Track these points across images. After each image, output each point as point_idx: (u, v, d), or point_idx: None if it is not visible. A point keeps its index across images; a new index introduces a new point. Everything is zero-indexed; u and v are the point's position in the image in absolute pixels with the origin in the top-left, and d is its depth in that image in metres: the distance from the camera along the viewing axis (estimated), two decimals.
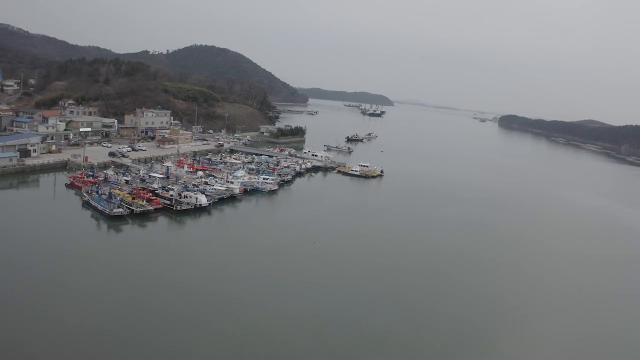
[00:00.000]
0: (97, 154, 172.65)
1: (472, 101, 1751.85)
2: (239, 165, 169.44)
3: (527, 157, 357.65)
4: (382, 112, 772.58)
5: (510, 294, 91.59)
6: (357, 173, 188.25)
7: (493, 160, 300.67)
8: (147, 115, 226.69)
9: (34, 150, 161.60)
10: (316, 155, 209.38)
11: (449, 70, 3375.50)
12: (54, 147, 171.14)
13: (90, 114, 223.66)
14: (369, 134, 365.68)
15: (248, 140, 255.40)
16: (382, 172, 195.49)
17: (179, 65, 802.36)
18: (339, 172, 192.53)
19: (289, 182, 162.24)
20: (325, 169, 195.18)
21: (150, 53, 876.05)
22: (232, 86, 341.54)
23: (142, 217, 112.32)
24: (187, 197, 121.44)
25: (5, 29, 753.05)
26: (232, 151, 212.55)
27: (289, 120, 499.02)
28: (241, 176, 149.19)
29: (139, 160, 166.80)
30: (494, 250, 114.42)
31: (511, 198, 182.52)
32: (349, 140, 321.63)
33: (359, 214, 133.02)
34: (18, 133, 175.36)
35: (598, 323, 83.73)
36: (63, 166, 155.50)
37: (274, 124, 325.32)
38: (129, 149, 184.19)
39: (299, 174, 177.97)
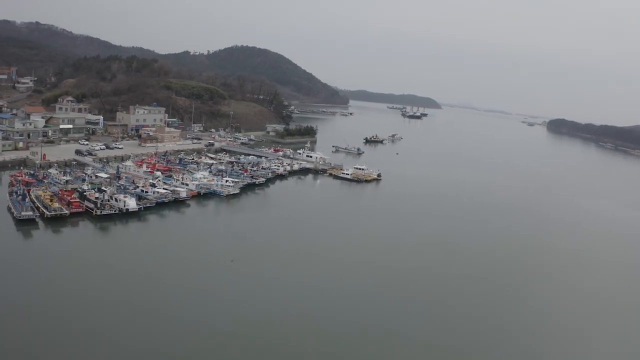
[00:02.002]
0: (65, 151, 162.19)
1: (524, 105, 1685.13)
2: (205, 166, 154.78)
3: (566, 163, 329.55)
4: (423, 115, 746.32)
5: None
6: (349, 177, 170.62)
7: (527, 165, 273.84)
8: (137, 112, 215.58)
9: None
10: (310, 157, 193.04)
11: (501, 73, 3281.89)
12: (21, 144, 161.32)
13: (80, 110, 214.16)
14: (393, 136, 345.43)
15: (251, 139, 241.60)
16: (379, 175, 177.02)
17: (219, 65, 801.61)
18: (330, 175, 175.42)
19: (260, 186, 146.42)
20: (316, 172, 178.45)
21: (192, 54, 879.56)
22: (243, 84, 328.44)
23: (56, 221, 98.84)
24: (117, 200, 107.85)
25: (49, 29, 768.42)
26: (222, 151, 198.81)
27: (318, 121, 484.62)
28: (200, 178, 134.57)
29: (100, 160, 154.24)
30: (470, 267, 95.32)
31: (530, 206, 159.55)
32: (367, 141, 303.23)
33: (313, 227, 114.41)
34: None
35: None
36: (21, 164, 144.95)
37: (288, 124, 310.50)
38: (103, 147, 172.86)
39: (280, 177, 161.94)
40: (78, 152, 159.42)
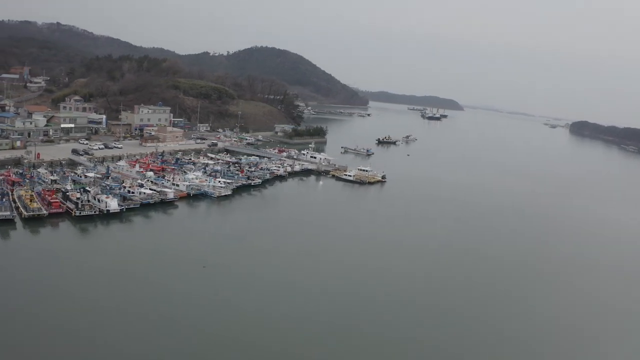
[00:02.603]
0: (62, 151, 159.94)
1: (548, 107, 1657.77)
2: (201, 166, 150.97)
3: (586, 167, 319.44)
4: (443, 116, 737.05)
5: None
6: (352, 178, 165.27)
7: (543, 169, 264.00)
8: (142, 111, 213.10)
9: None
10: (314, 158, 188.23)
11: (525, 75, 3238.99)
12: (18, 143, 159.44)
13: (85, 109, 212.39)
14: (407, 137, 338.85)
15: (259, 140, 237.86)
16: (383, 177, 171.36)
17: (238, 66, 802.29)
18: (333, 176, 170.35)
19: (256, 187, 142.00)
20: (319, 173, 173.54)
21: (211, 54, 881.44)
22: (253, 83, 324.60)
23: (33, 222, 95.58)
24: (99, 201, 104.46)
25: (69, 30, 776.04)
26: (225, 151, 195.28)
27: (334, 122, 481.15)
28: (192, 178, 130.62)
29: (92, 159, 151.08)
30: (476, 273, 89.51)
31: (543, 211, 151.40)
32: (379, 142, 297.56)
33: (302, 230, 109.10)
34: None
35: None
36: (16, 163, 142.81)
37: (299, 124, 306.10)
38: (102, 146, 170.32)
39: (279, 178, 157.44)
40: (74, 151, 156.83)
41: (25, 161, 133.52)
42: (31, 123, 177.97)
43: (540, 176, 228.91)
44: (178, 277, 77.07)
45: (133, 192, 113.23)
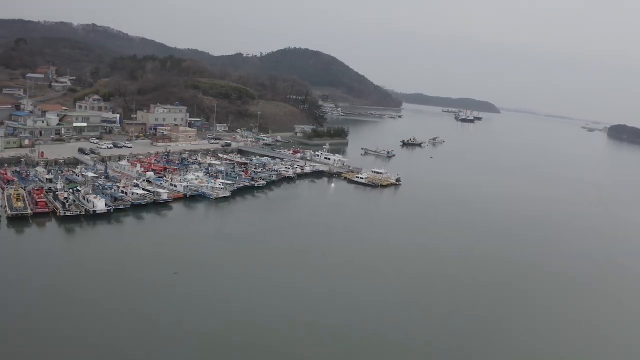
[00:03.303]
0: (69, 150, 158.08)
1: (586, 110, 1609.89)
2: (204, 167, 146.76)
3: (620, 172, 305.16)
4: (477, 119, 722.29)
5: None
6: (364, 181, 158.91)
7: (574, 174, 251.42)
8: (157, 111, 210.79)
9: None
10: (329, 159, 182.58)
11: (564, 77, 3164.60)
12: (27, 142, 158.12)
13: (100, 109, 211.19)
14: (434, 139, 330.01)
15: (278, 140, 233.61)
16: (398, 180, 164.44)
17: (271, 68, 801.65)
18: (345, 178, 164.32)
19: (260, 189, 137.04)
20: (330, 175, 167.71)
21: (244, 56, 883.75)
22: (275, 83, 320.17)
23: (17, 221, 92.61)
24: (88, 201, 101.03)
25: (105, 31, 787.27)
26: (238, 151, 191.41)
27: (363, 123, 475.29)
28: (191, 179, 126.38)
29: (96, 159, 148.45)
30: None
31: (567, 220, 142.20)
32: (404, 144, 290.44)
33: (299, 234, 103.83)
34: None
35: None
36: (19, 161, 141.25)
37: (322, 125, 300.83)
38: (111, 146, 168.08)
39: (287, 179, 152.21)
40: (81, 150, 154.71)
41: (23, 160, 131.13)
42: (43, 122, 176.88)
43: (571, 182, 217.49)
44: (151, 280, 73.37)
45: (126, 193, 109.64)
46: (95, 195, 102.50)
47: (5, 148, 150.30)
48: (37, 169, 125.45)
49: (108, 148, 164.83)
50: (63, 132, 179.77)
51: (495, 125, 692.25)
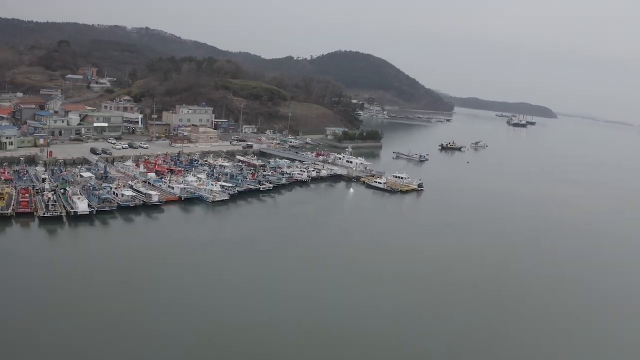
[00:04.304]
0: (82, 150, 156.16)
1: None
2: (212, 168, 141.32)
3: None
4: (530, 123, 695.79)
5: None
6: (382, 186, 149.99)
7: (624, 184, 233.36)
8: (182, 112, 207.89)
9: (10, 143, 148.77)
10: (350, 162, 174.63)
11: (624, 84, 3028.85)
12: (42, 141, 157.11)
13: (125, 109, 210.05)
14: (477, 143, 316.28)
15: (308, 143, 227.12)
16: (420, 186, 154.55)
17: (321, 70, 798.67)
18: (364, 183, 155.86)
19: (267, 192, 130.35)
20: (349, 179, 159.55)
21: (295, 59, 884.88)
22: (310, 85, 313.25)
23: None
24: (72, 202, 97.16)
25: (158, 35, 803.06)
26: (261, 154, 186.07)
27: (409, 127, 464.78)
28: (191, 181, 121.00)
29: (107, 160, 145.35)
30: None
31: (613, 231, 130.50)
32: (443, 148, 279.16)
33: (286, 245, 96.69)
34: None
35: None
36: (31, 161, 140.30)
37: (358, 127, 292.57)
38: (126, 146, 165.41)
39: (300, 183, 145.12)
40: (93, 150, 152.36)
41: (22, 159, 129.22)
42: (63, 122, 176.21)
43: (619, 193, 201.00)
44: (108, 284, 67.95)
45: (116, 194, 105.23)
46: (79, 197, 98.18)
47: (18, 147, 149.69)
48: (36, 168, 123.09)
49: (123, 148, 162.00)
50: (83, 132, 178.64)
51: (548, 131, 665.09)
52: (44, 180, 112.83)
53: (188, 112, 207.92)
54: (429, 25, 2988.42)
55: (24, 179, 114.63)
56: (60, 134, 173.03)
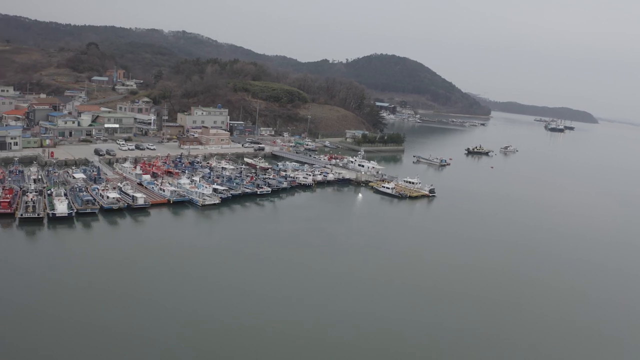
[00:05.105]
0: (87, 151, 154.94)
1: None
2: (206, 171, 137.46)
3: None
4: (567, 128, 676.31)
5: None
6: (390, 191, 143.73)
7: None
8: (196, 113, 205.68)
9: (15, 143, 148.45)
10: (362, 166, 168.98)
11: None
12: (48, 142, 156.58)
13: (140, 110, 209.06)
14: (506, 147, 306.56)
15: (326, 146, 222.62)
16: (431, 191, 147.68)
17: (355, 73, 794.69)
18: (372, 188, 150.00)
19: (264, 196, 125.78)
20: (357, 183, 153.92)
21: (330, 62, 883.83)
22: (332, 86, 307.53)
23: None
24: (59, 202, 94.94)
25: (194, 38, 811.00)
26: (272, 156, 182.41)
27: (440, 131, 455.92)
28: (184, 183, 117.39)
29: (109, 161, 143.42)
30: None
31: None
32: (469, 152, 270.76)
33: (264, 252, 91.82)
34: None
35: None
36: (32, 161, 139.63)
37: (382, 130, 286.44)
38: (132, 147, 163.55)
39: (303, 187, 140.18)
40: (96, 151, 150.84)
41: (16, 159, 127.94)
42: (73, 122, 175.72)
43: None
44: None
45: (102, 196, 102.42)
46: (60, 198, 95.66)
47: (24, 147, 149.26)
48: (30, 168, 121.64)
49: (129, 149, 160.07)
50: (94, 132, 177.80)
51: (587, 136, 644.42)
52: (35, 180, 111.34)
53: (202, 113, 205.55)
54: (470, 29, 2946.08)
55: (16, 178, 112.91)
56: (70, 134, 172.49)
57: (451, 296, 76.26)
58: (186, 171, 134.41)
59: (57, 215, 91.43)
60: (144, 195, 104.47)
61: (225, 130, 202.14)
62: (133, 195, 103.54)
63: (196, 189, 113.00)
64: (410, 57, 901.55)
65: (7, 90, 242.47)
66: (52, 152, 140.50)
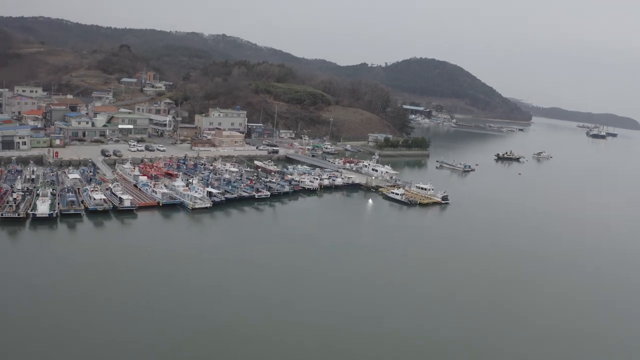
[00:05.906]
0: (96, 151, 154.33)
1: None
2: (205, 173, 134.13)
3: None
4: (610, 134, 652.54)
5: None
6: (399, 197, 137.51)
7: None
8: (213, 115, 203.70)
9: (23, 143, 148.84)
10: (376, 170, 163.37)
11: None
12: (58, 142, 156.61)
13: (158, 112, 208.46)
14: (539, 154, 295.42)
15: (347, 149, 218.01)
16: (444, 198, 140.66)
17: (394, 77, 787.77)
18: (382, 194, 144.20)
19: (263, 200, 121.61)
20: (367, 188, 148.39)
21: (369, 65, 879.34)
22: (357, 89, 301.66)
23: None
24: (42, 202, 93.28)
25: (234, 42, 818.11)
26: (286, 159, 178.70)
27: (476, 136, 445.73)
28: (178, 186, 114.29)
29: (114, 162, 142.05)
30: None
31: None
32: (498, 158, 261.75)
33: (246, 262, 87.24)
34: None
35: None
36: (38, 161, 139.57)
37: (409, 134, 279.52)
38: (142, 148, 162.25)
39: (307, 192, 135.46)
40: (103, 152, 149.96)
41: (14, 158, 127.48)
42: (87, 123, 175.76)
43: None
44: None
45: (90, 198, 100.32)
46: (42, 198, 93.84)
47: (32, 147, 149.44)
48: (28, 168, 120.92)
49: (138, 150, 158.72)
50: (107, 133, 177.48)
51: (629, 143, 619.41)
52: (31, 180, 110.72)
53: (219, 115, 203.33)
54: (514, 34, 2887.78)
55: (11, 178, 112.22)
56: (84, 134, 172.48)
57: (446, 304, 70.17)
58: (187, 173, 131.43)
59: (37, 215, 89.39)
60: (131, 197, 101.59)
61: (241, 132, 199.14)
62: (120, 197, 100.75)
63: (189, 192, 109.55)
64: (450, 62, 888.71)
65: (36, 91, 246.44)
66: (56, 152, 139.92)
